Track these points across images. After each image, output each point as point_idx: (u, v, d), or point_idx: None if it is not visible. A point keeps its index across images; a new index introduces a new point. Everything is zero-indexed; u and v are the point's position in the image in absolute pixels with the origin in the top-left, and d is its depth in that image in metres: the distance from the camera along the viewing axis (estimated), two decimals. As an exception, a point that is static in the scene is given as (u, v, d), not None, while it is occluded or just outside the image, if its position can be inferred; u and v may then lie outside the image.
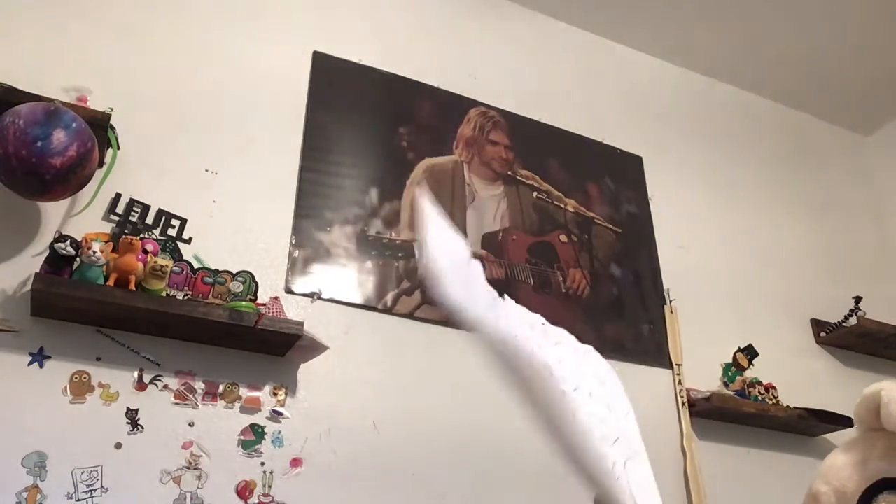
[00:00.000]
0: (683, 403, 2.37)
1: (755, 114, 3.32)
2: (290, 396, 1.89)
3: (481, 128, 2.58)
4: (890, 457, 0.72)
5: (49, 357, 1.69)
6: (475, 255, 0.94)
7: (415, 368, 2.07)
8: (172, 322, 1.73)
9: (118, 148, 1.89)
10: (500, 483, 2.02)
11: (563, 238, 2.52)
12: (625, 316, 2.49)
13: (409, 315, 2.14)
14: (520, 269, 2.37)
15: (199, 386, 1.80)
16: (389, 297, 2.13)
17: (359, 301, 2.09)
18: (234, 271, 1.88)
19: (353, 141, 2.32)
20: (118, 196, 1.90)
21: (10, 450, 1.58)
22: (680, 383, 2.41)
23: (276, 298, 1.93)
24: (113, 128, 1.87)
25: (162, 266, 1.73)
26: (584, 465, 0.70)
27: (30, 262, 1.74)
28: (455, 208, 2.38)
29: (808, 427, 2.50)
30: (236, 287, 1.84)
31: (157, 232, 1.91)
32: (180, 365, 1.80)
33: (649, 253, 2.67)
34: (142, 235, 1.85)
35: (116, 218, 1.88)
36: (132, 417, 1.71)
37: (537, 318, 0.89)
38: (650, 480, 0.77)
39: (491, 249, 2.36)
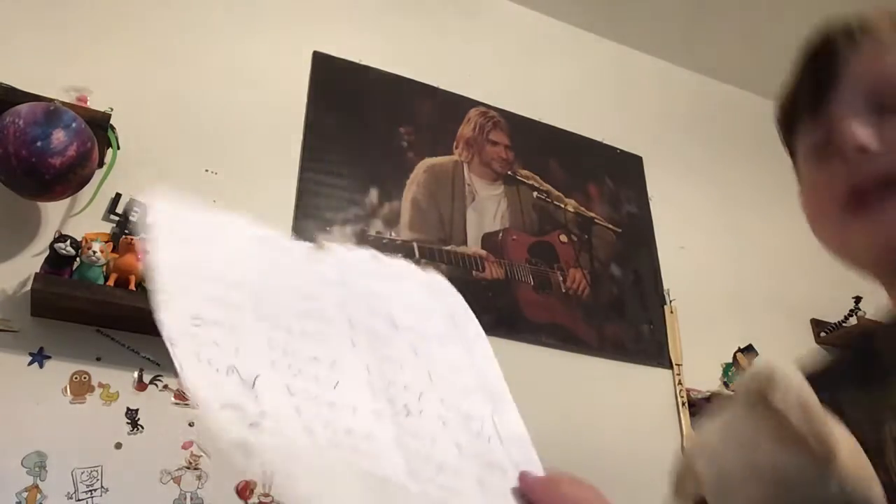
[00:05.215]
0: (683, 403, 2.37)
1: (755, 114, 3.31)
2: (290, 396, 1.89)
3: (481, 128, 2.58)
4: (782, 444, 0.62)
5: (49, 357, 1.69)
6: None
7: (415, 368, 2.07)
8: (172, 322, 1.73)
9: (118, 148, 1.89)
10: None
11: (563, 238, 2.52)
12: (625, 316, 2.48)
13: (409, 315, 2.13)
14: (520, 269, 2.37)
15: (199, 386, 1.80)
16: (389, 297, 2.13)
17: (359, 301, 2.09)
18: (234, 271, 1.88)
19: (354, 141, 2.32)
20: (118, 196, 1.90)
21: (10, 450, 1.58)
22: (680, 383, 2.41)
23: (276, 298, 1.93)
24: (113, 128, 1.87)
25: (162, 266, 1.72)
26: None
27: (30, 262, 1.74)
28: (455, 208, 2.38)
29: (808, 427, 2.49)
30: (236, 287, 1.83)
31: (157, 232, 1.91)
32: (180, 365, 1.80)
33: (649, 253, 2.67)
34: (142, 235, 1.85)
35: (116, 218, 1.88)
36: (132, 417, 1.71)
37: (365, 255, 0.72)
38: (521, 431, 0.65)
39: (491, 249, 2.36)
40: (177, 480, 1.69)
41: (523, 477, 0.59)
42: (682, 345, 2.49)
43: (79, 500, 1.59)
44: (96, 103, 1.87)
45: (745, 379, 0.65)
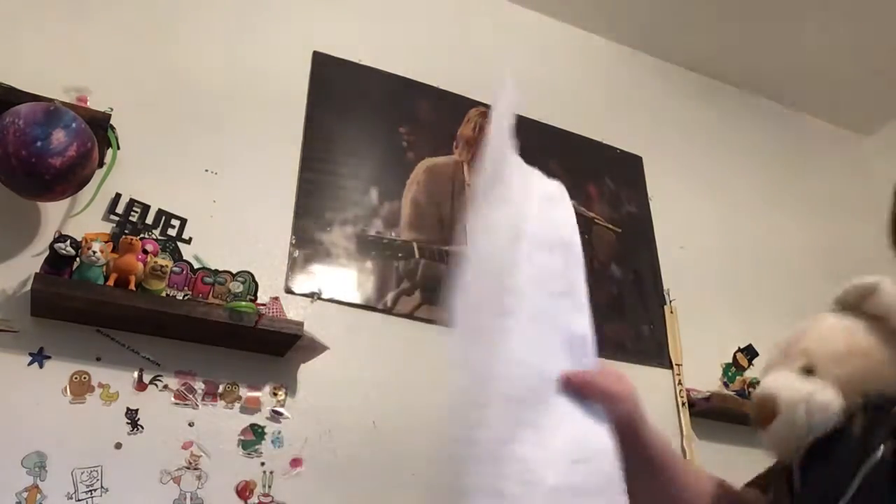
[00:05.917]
0: (683, 403, 2.37)
1: (755, 114, 3.32)
2: (290, 396, 1.89)
3: (481, 128, 2.58)
4: (875, 336, 0.92)
5: (49, 357, 1.69)
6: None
7: (415, 368, 2.07)
8: (172, 322, 1.73)
9: (118, 148, 1.89)
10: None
11: (563, 238, 2.52)
12: (625, 316, 2.48)
13: (410, 315, 2.14)
14: (520, 269, 2.37)
15: (199, 386, 1.80)
16: (389, 297, 2.13)
17: (359, 301, 2.09)
18: (234, 271, 1.88)
19: (353, 141, 2.32)
20: (118, 196, 1.90)
21: (10, 450, 1.58)
22: (680, 383, 2.41)
23: (276, 298, 1.93)
24: (113, 128, 1.87)
25: (162, 266, 1.73)
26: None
27: (30, 262, 1.74)
28: (455, 208, 2.38)
29: (808, 427, 2.49)
30: (236, 287, 1.84)
31: (157, 232, 1.91)
32: (180, 365, 1.80)
33: (649, 253, 2.67)
34: (142, 235, 1.85)
35: (116, 218, 1.88)
36: (132, 417, 1.71)
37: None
38: (588, 333, 0.86)
39: (491, 249, 2.36)
40: (177, 480, 1.69)
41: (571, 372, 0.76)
42: (682, 345, 2.49)
43: (79, 500, 1.59)
44: (96, 103, 1.87)
45: (851, 288, 1.00)
